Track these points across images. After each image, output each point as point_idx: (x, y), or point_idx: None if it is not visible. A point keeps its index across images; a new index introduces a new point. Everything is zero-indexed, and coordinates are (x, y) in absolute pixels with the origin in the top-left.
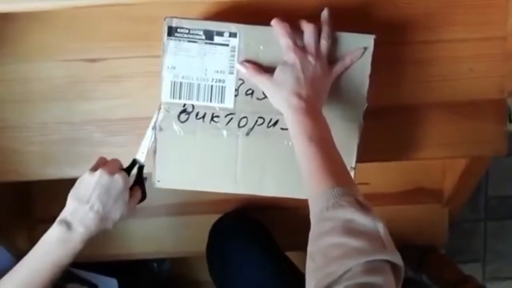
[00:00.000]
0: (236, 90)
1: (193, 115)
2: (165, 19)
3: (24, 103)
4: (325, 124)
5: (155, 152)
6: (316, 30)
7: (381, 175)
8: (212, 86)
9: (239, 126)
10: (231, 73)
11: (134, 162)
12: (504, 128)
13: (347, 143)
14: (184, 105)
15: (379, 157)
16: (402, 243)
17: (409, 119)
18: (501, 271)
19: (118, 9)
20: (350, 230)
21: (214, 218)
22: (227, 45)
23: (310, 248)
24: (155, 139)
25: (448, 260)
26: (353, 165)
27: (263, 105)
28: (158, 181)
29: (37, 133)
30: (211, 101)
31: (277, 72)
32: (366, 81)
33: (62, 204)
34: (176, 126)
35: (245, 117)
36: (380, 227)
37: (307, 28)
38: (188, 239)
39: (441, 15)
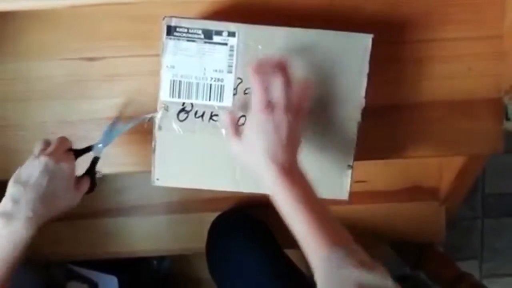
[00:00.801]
0: (235, 89)
1: (192, 113)
2: (164, 18)
3: (24, 102)
4: (304, 179)
5: (154, 150)
6: (284, 80)
7: (379, 173)
8: (211, 85)
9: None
10: (230, 72)
11: (88, 148)
12: (501, 126)
13: (345, 141)
14: (183, 104)
15: (377, 155)
16: (400, 241)
17: (406, 117)
18: (498, 268)
19: (118, 8)
20: None
21: (214, 215)
22: (226, 44)
23: None
24: (154, 137)
25: (446, 257)
26: (351, 164)
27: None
28: (157, 179)
29: (37, 131)
30: (210, 99)
31: (247, 133)
32: (364, 81)
33: None
34: (175, 124)
35: (243, 116)
36: (391, 283)
37: (274, 81)
38: (188, 236)
39: (439, 14)
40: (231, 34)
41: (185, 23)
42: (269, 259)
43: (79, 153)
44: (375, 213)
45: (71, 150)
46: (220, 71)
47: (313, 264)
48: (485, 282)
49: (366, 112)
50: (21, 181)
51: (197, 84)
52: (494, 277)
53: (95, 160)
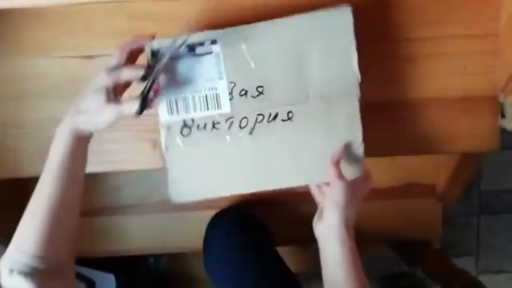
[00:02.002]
0: (230, 93)
1: (194, 127)
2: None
3: (20, 100)
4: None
5: (167, 172)
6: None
7: (375, 170)
8: (206, 95)
9: (240, 127)
10: (221, 78)
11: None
12: (497, 124)
13: (350, 119)
14: (184, 120)
15: (373, 153)
16: (396, 238)
17: (402, 115)
18: (494, 264)
19: (114, 6)
20: None
21: (211, 213)
22: (211, 52)
23: None
24: (164, 159)
25: (442, 254)
26: (361, 139)
27: (259, 102)
28: (175, 197)
29: (34, 129)
30: (208, 109)
31: (354, 191)
32: (354, 54)
33: None
34: (180, 141)
35: (244, 117)
36: None
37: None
38: (185, 234)
39: (434, 12)
40: (213, 42)
41: (167, 42)
42: (262, 259)
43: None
44: (372, 210)
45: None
46: (211, 79)
47: None
48: (481, 278)
49: (362, 110)
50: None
51: (193, 97)
52: (490, 273)
53: (151, 82)
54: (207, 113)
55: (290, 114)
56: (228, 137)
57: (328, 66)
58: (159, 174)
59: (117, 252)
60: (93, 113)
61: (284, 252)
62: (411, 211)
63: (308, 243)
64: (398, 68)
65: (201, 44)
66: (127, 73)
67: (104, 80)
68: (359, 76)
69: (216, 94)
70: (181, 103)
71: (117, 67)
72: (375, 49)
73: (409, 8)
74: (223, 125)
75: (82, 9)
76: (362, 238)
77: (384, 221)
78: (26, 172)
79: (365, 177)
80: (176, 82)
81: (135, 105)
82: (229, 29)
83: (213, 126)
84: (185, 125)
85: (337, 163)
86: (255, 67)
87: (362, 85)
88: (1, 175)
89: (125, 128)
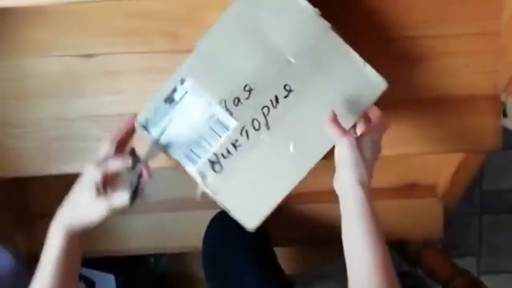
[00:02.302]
0: (227, 110)
1: (221, 159)
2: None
3: (20, 99)
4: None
5: (228, 210)
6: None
7: (377, 170)
8: (210, 126)
9: (256, 130)
10: (210, 104)
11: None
12: (499, 123)
13: (339, 53)
14: (208, 159)
15: None
16: (398, 238)
17: (404, 114)
18: (496, 265)
19: (114, 4)
20: None
21: (212, 213)
22: (186, 92)
23: None
24: (217, 203)
25: (444, 254)
26: (363, 63)
27: (255, 98)
28: (250, 225)
29: (33, 129)
30: (220, 136)
31: (365, 142)
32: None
33: (59, 200)
34: (219, 179)
35: (253, 119)
36: None
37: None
38: (186, 234)
39: (436, 11)
40: (182, 81)
41: (150, 109)
42: (259, 260)
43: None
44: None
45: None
46: (204, 111)
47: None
48: (483, 278)
49: None
50: None
51: (201, 137)
52: (492, 273)
53: (138, 174)
54: (222, 140)
55: (287, 87)
56: (252, 146)
57: (285, 24)
58: (160, 174)
59: (117, 252)
60: (84, 209)
61: (282, 253)
62: (413, 211)
63: (305, 244)
64: (400, 67)
65: (175, 90)
66: (115, 165)
67: (93, 174)
68: (316, 10)
69: (217, 120)
70: (196, 149)
71: (105, 159)
72: (377, 48)
73: (411, 7)
74: (242, 139)
75: (82, 7)
76: None
77: (385, 221)
78: (26, 171)
79: (376, 121)
80: (178, 138)
81: (125, 196)
82: (187, 59)
83: (235, 147)
84: (212, 163)
85: (335, 121)
86: (231, 72)
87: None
88: (1, 174)
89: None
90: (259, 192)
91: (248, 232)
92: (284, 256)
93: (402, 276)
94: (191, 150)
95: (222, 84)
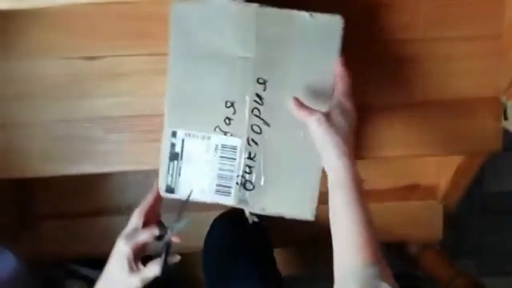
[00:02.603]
0: (225, 133)
1: (247, 176)
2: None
3: (24, 101)
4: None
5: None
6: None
7: (377, 172)
8: (221, 156)
9: (259, 133)
10: (209, 136)
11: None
12: (500, 125)
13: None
14: (236, 183)
15: (375, 154)
16: (398, 239)
17: (404, 116)
18: (496, 266)
19: (117, 7)
20: None
21: (212, 214)
22: (183, 139)
23: None
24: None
25: (443, 256)
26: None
27: (241, 109)
28: (307, 217)
29: (37, 130)
30: (235, 159)
31: (334, 115)
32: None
33: (64, 200)
34: (255, 195)
35: (251, 126)
36: None
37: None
38: (186, 235)
39: (436, 14)
40: (174, 133)
41: (164, 176)
42: (260, 269)
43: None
44: (373, 212)
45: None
46: (207, 145)
47: (342, 263)
48: (483, 280)
49: (363, 111)
50: None
51: (219, 168)
52: (492, 275)
53: (167, 245)
54: (237, 160)
55: (261, 80)
56: (265, 148)
57: (223, 29)
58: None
59: None
60: (118, 285)
61: (282, 253)
62: (413, 213)
63: (304, 245)
64: (400, 69)
65: (173, 145)
66: (144, 237)
67: (124, 250)
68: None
69: (222, 147)
70: (221, 182)
71: (134, 232)
72: (378, 50)
73: (412, 10)
74: (253, 148)
75: (86, 10)
76: None
77: (385, 223)
78: (30, 172)
79: (339, 78)
80: (201, 182)
81: (156, 269)
82: (165, 113)
83: (252, 159)
84: (243, 184)
85: (298, 104)
86: (206, 100)
87: (365, 87)
88: (5, 175)
89: (126, 130)
90: (298, 184)
91: (249, 237)
92: (283, 257)
93: (401, 278)
94: (218, 186)
95: (206, 114)
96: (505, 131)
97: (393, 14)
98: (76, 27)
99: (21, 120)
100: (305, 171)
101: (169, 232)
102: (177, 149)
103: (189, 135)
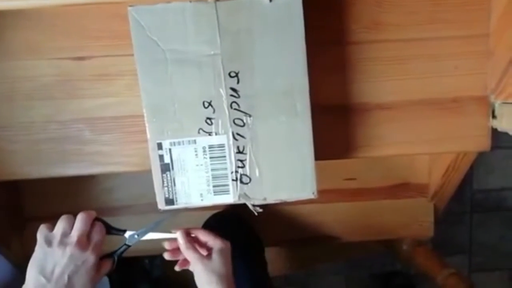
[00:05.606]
0: (209, 133)
1: (241, 170)
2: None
3: (12, 102)
4: None
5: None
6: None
7: (368, 171)
8: (210, 157)
9: (242, 126)
10: (194, 140)
11: (122, 231)
12: (488, 124)
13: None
14: (233, 180)
15: (364, 153)
16: (390, 237)
17: (394, 115)
18: (486, 262)
19: (106, 7)
20: None
21: (206, 214)
22: (169, 149)
23: None
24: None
25: (435, 253)
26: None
27: (219, 106)
28: (310, 195)
29: (25, 131)
30: (225, 156)
31: (215, 258)
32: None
33: (52, 202)
34: (253, 187)
35: (233, 120)
36: None
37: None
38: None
39: (425, 13)
40: (159, 145)
41: (160, 190)
42: (251, 273)
43: (109, 230)
44: (365, 210)
45: (99, 220)
46: (194, 150)
47: None
48: (474, 276)
49: (354, 110)
50: (45, 273)
51: (212, 169)
52: (483, 271)
53: (124, 249)
54: (228, 157)
55: (232, 73)
56: (252, 139)
57: (183, 30)
58: (151, 176)
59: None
60: None
61: (275, 252)
62: (404, 211)
63: (296, 244)
64: (388, 69)
65: (161, 157)
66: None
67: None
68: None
69: (209, 148)
70: (217, 182)
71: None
72: (366, 50)
73: (399, 9)
74: (241, 141)
75: (74, 10)
76: (355, 237)
77: (377, 221)
78: (19, 174)
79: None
80: (198, 187)
81: (110, 266)
82: (147, 127)
83: (241, 152)
84: (239, 179)
85: (187, 246)
86: (183, 104)
87: (353, 87)
88: None
89: (115, 130)
90: (293, 166)
91: (240, 238)
92: (276, 256)
93: (393, 275)
94: (215, 186)
95: (187, 119)
96: (494, 130)
97: (381, 14)
98: (64, 28)
99: (8, 122)
100: (296, 151)
101: (127, 238)
102: (166, 160)
103: (174, 143)
